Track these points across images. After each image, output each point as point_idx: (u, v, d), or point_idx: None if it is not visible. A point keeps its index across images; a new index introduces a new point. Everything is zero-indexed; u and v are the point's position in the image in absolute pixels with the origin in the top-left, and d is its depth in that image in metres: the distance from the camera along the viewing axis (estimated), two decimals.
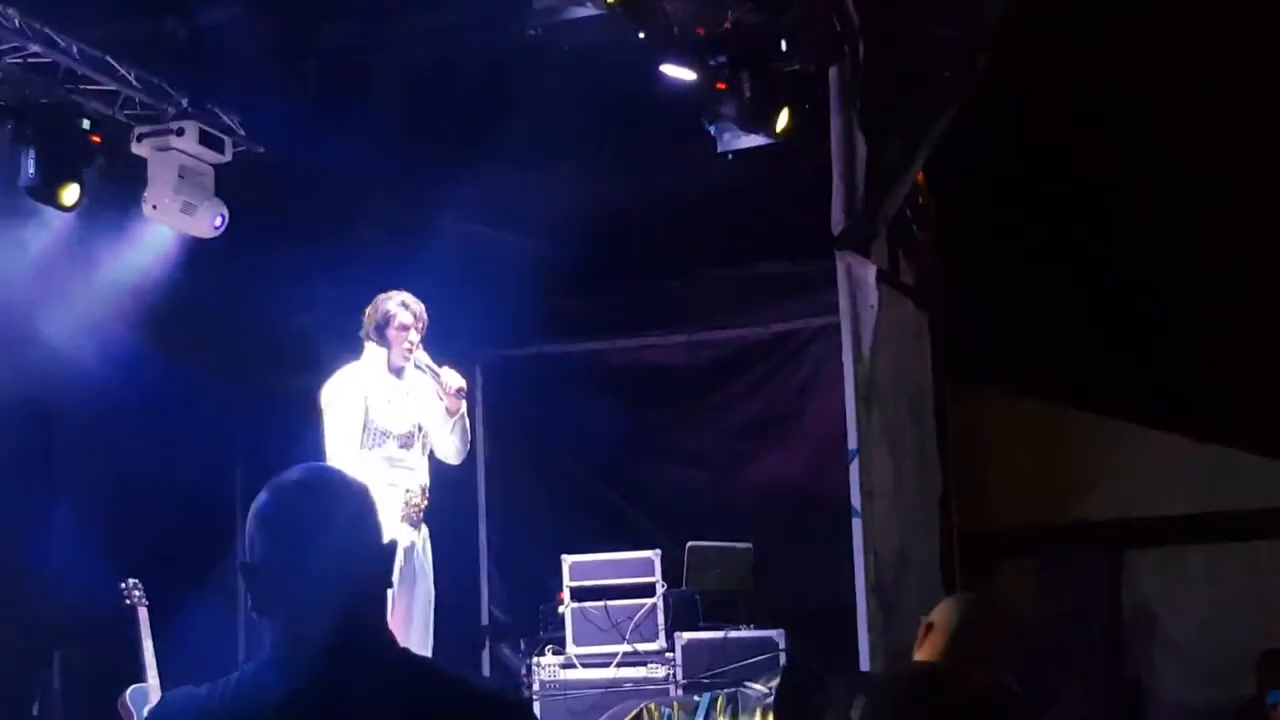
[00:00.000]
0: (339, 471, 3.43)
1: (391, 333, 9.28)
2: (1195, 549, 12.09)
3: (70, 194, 10.23)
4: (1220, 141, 10.75)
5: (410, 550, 9.23)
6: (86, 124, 10.35)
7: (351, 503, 3.30)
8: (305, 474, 3.33)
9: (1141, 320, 11.45)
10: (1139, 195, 11.11)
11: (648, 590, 11.46)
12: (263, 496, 3.28)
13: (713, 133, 11.00)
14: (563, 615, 11.53)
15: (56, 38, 9.99)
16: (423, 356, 9.34)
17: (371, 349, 9.34)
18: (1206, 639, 11.76)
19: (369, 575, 3.28)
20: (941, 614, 5.74)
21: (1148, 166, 10.96)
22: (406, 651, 3.39)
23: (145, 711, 7.73)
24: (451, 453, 9.51)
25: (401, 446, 9.24)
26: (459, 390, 9.34)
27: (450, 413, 9.35)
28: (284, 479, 3.30)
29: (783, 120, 10.71)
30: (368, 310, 9.39)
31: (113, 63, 10.36)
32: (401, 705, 3.21)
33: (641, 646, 11.34)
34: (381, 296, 9.38)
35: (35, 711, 10.88)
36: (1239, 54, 10.38)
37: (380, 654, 3.26)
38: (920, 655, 5.72)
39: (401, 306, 9.31)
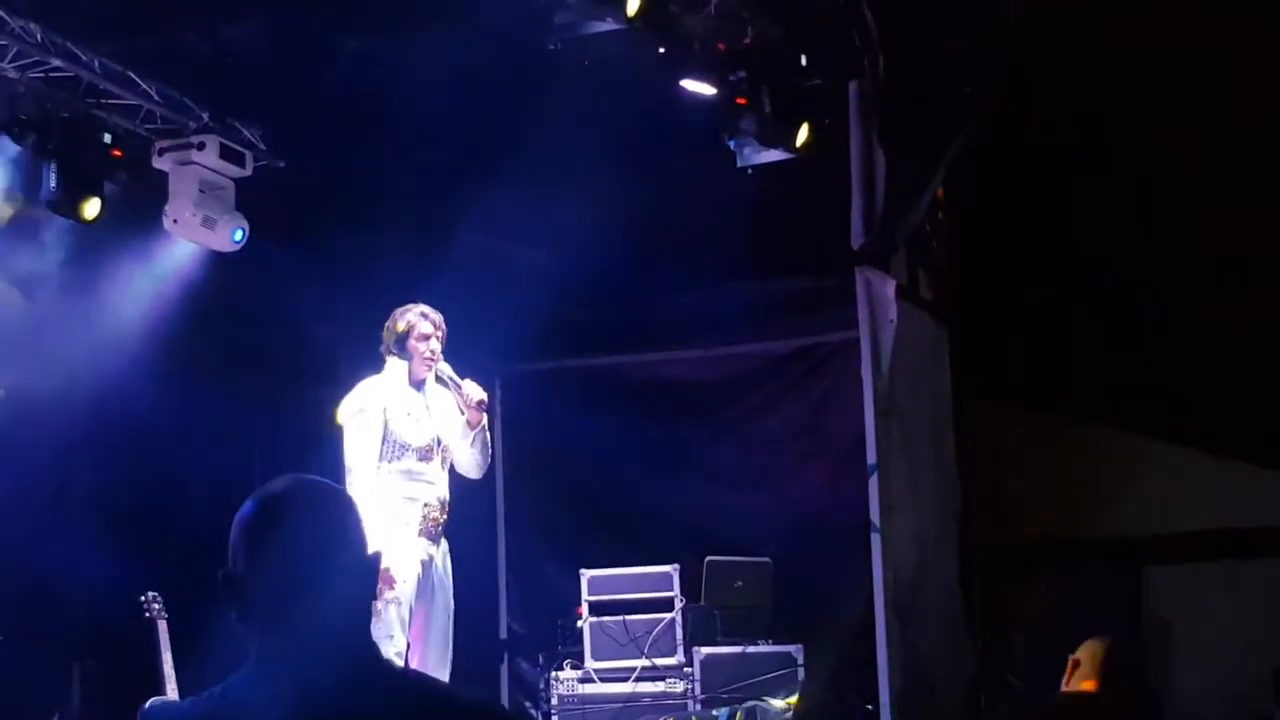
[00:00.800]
0: (324, 482, 3.38)
1: (412, 343, 9.28)
2: (1216, 565, 12.04)
3: (91, 207, 10.27)
4: (1246, 155, 10.73)
5: (429, 564, 9.22)
6: (108, 138, 10.39)
7: (336, 513, 3.28)
8: (290, 484, 3.30)
9: (1163, 334, 11.41)
10: (1161, 209, 11.09)
11: (666, 605, 11.47)
12: (247, 506, 3.26)
13: (732, 148, 11.02)
14: (581, 629, 11.54)
15: (78, 52, 10.04)
16: (445, 368, 9.35)
17: (393, 363, 9.34)
18: (1227, 655, 11.70)
19: (353, 586, 3.25)
20: (1089, 651, 6.94)
21: (1170, 181, 10.93)
22: (390, 662, 3.39)
23: None
24: (472, 466, 9.51)
25: (421, 459, 9.23)
26: (480, 403, 9.34)
27: (471, 425, 9.36)
28: (269, 489, 3.28)
29: (802, 135, 10.72)
30: (387, 324, 9.39)
31: (134, 77, 10.41)
32: (386, 714, 3.20)
33: (660, 661, 11.34)
34: (400, 309, 9.40)
35: None
36: (1263, 67, 10.36)
37: (364, 664, 3.25)
38: (1072, 688, 6.76)
39: (421, 317, 9.32)
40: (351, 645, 3.24)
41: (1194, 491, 11.88)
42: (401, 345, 9.30)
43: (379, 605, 8.88)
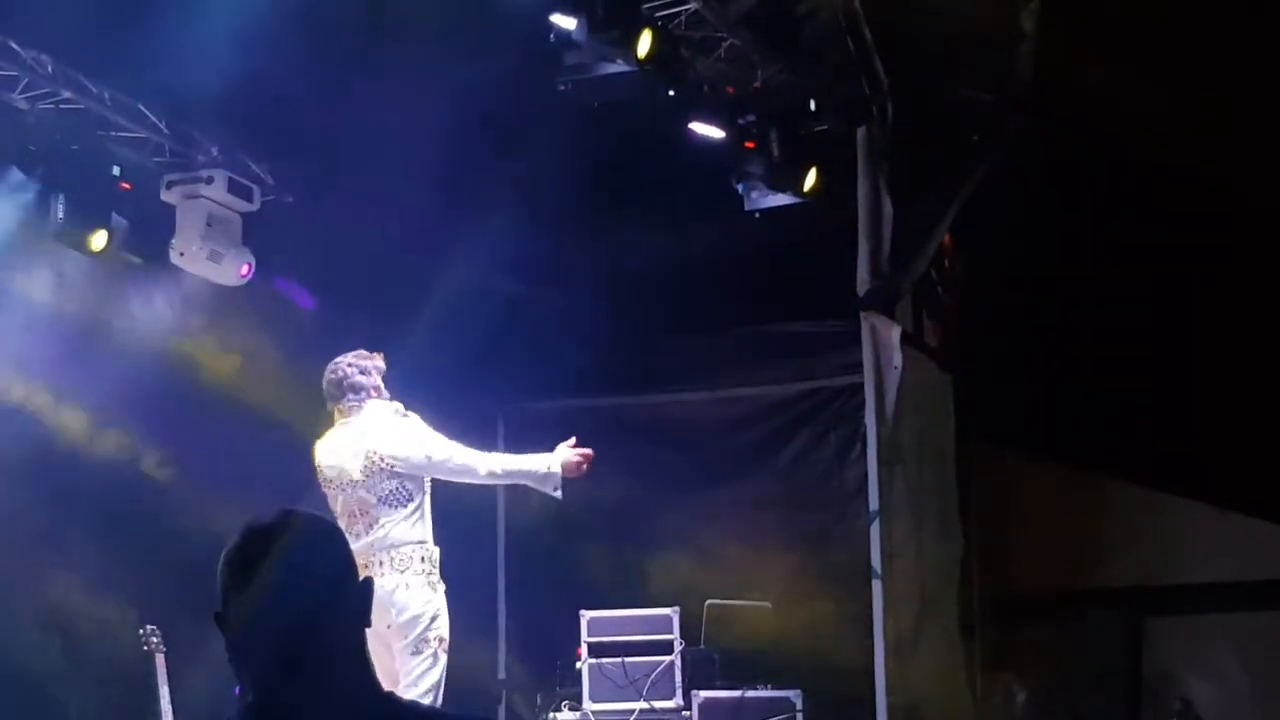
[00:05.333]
0: (310, 513, 3.28)
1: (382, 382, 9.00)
2: (1216, 617, 12.04)
3: (98, 240, 10.27)
4: (1253, 211, 10.74)
5: None
6: (116, 170, 10.39)
7: (322, 542, 3.21)
8: (275, 517, 3.20)
9: (1167, 387, 11.42)
10: (1169, 261, 11.10)
11: (665, 647, 11.41)
12: (232, 541, 3.17)
13: (740, 191, 11.04)
14: (580, 671, 11.48)
15: (88, 84, 10.05)
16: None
17: (379, 403, 8.97)
18: (1226, 708, 11.69)
19: (342, 615, 3.17)
20: None
21: (1179, 231, 10.94)
22: (391, 695, 3.32)
23: None
24: None
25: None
26: None
27: None
28: (254, 522, 3.19)
29: (810, 180, 10.74)
30: (374, 364, 8.96)
31: (144, 110, 10.42)
32: None
33: (658, 704, 11.28)
34: (359, 354, 8.99)
35: None
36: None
37: (357, 697, 3.17)
38: None
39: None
40: (344, 678, 3.16)
41: (1197, 543, 11.88)
42: (383, 386, 9.00)
43: (440, 652, 8.65)
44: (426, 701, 8.36)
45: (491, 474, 8.80)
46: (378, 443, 8.62)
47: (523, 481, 8.97)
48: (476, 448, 8.94)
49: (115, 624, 10.30)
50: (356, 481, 8.63)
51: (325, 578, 3.17)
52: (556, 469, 8.82)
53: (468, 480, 8.77)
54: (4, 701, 10.10)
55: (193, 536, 10.59)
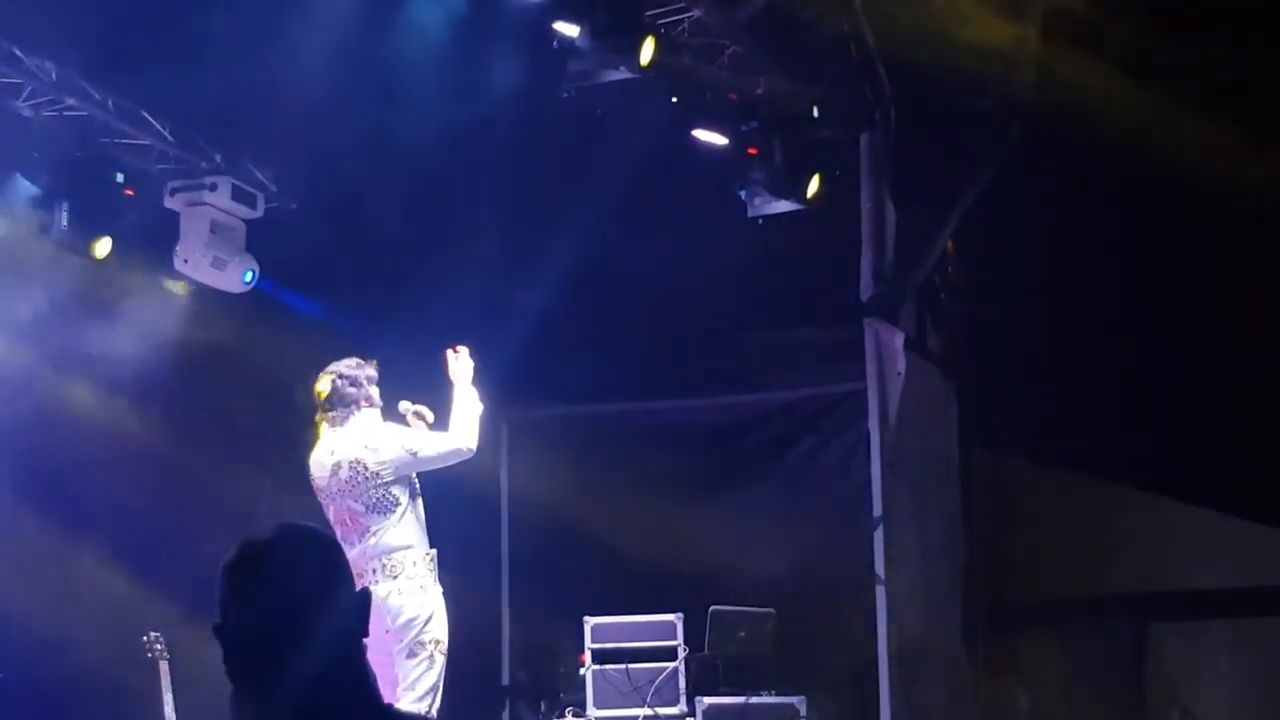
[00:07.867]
0: (309, 526, 3.29)
1: (376, 390, 8.98)
2: (1221, 624, 12.03)
3: (102, 246, 10.29)
4: (1256, 215, 10.73)
5: None
6: (120, 177, 10.40)
7: (321, 557, 3.22)
8: (274, 531, 3.21)
9: (1169, 392, 11.41)
10: (1170, 266, 11.10)
11: (669, 654, 11.42)
12: (230, 555, 3.17)
13: (743, 198, 11.05)
14: (584, 677, 11.49)
15: (92, 91, 10.07)
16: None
17: (370, 413, 8.94)
18: (1231, 714, 11.68)
19: (342, 630, 3.17)
20: None
21: (1180, 237, 10.95)
22: (390, 706, 3.32)
23: None
24: None
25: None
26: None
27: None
28: (252, 536, 3.18)
29: (813, 186, 10.76)
30: (366, 373, 8.91)
31: (147, 117, 10.44)
32: None
33: (662, 710, 11.29)
34: (352, 361, 8.94)
35: None
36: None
37: (356, 707, 3.16)
38: None
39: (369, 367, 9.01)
40: (344, 693, 3.15)
41: (1200, 549, 11.87)
42: (375, 395, 8.96)
43: (436, 654, 8.65)
44: (424, 705, 8.40)
45: (468, 445, 8.77)
46: (361, 452, 8.60)
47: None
48: (478, 454, 8.99)
49: (119, 630, 10.29)
50: (344, 491, 8.63)
51: (321, 589, 3.16)
52: (478, 402, 8.92)
53: (458, 459, 8.77)
54: (7, 709, 10.10)
55: (198, 542, 10.63)
